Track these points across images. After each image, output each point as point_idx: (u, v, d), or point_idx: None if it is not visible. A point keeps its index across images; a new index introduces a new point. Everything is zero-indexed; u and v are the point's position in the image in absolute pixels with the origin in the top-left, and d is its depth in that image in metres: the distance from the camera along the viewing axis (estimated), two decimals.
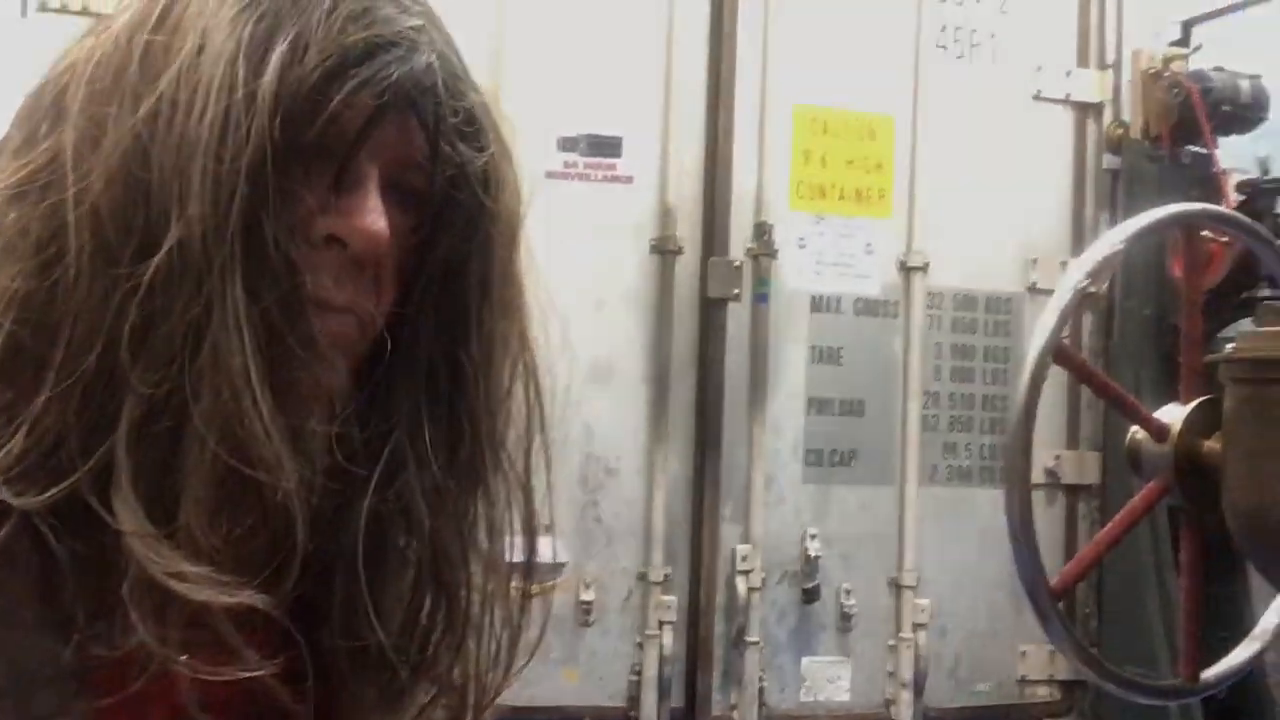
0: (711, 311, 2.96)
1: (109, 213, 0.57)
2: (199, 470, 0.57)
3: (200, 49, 0.58)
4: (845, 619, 3.05)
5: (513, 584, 0.72)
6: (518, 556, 0.72)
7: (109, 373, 0.57)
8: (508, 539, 0.71)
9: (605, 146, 2.93)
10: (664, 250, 2.94)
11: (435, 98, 0.63)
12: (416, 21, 0.64)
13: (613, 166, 2.94)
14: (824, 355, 3.09)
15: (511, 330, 0.70)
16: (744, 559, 2.95)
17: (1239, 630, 1.57)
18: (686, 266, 2.97)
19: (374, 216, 0.62)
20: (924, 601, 3.11)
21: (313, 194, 0.61)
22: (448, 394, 0.68)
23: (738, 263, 2.98)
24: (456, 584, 0.69)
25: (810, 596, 3.00)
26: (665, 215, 2.95)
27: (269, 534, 0.60)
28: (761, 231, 3.00)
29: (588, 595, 2.83)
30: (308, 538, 0.60)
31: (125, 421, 0.57)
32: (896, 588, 3.11)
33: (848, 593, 3.05)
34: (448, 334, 0.67)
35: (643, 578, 2.90)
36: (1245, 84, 3.36)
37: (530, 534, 0.72)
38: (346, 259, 0.62)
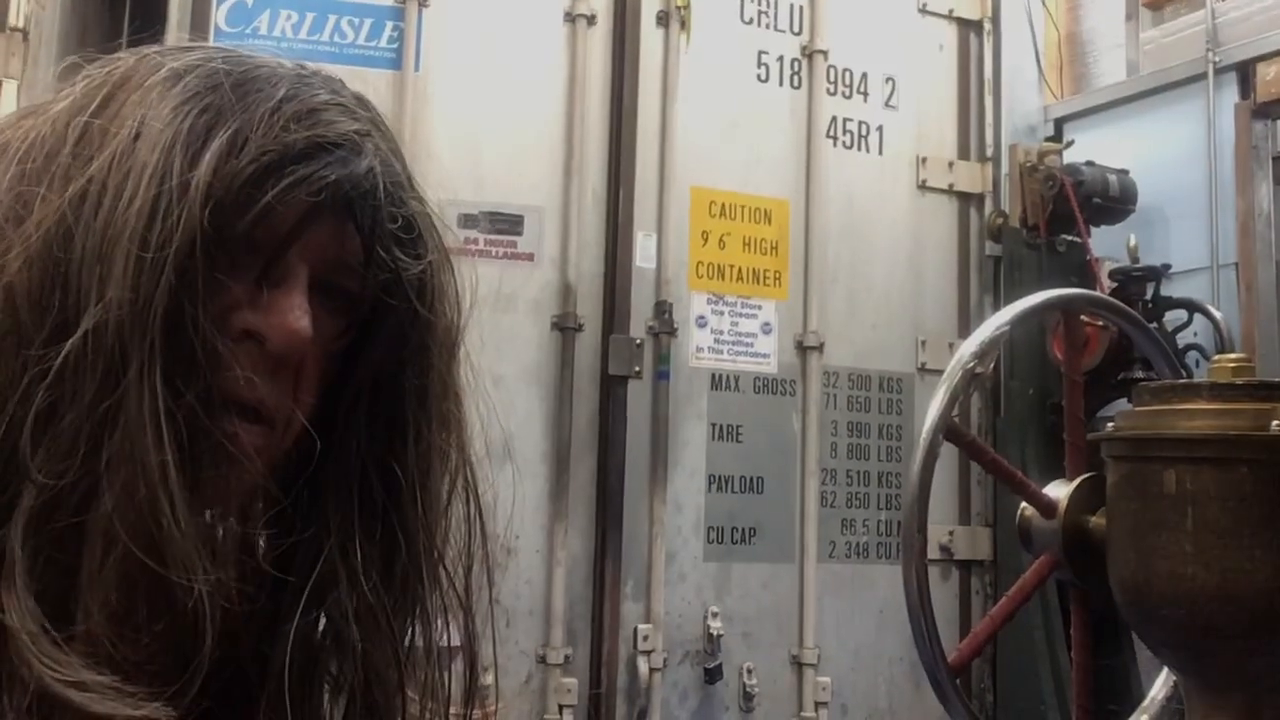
0: (612, 388, 2.97)
1: (24, 292, 0.55)
2: (106, 569, 0.52)
3: (137, 135, 0.57)
4: (747, 698, 3.02)
5: (453, 712, 0.69)
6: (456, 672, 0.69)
7: (8, 459, 0.53)
8: (447, 662, 0.68)
9: (506, 224, 2.94)
10: (565, 327, 2.95)
11: (373, 201, 0.61)
12: (362, 127, 0.63)
13: (513, 244, 2.95)
14: (724, 433, 3.11)
15: (450, 443, 0.68)
16: (645, 638, 2.91)
17: (1127, 702, 1.61)
18: (587, 343, 2.97)
19: (297, 314, 0.60)
20: (825, 679, 3.11)
21: (238, 287, 0.59)
22: (382, 506, 0.65)
23: (638, 340, 3.00)
24: (392, 712, 0.65)
25: (712, 676, 2.97)
26: (566, 292, 2.96)
27: (177, 641, 0.55)
28: (662, 310, 3.03)
29: (485, 680, 2.74)
30: (216, 647, 0.56)
31: (23, 513, 0.52)
32: (798, 665, 3.11)
33: (749, 672, 3.03)
34: (382, 444, 0.65)
35: (543, 660, 2.83)
36: (1114, 178, 3.58)
37: (472, 657, 0.69)
38: (263, 356, 0.60)
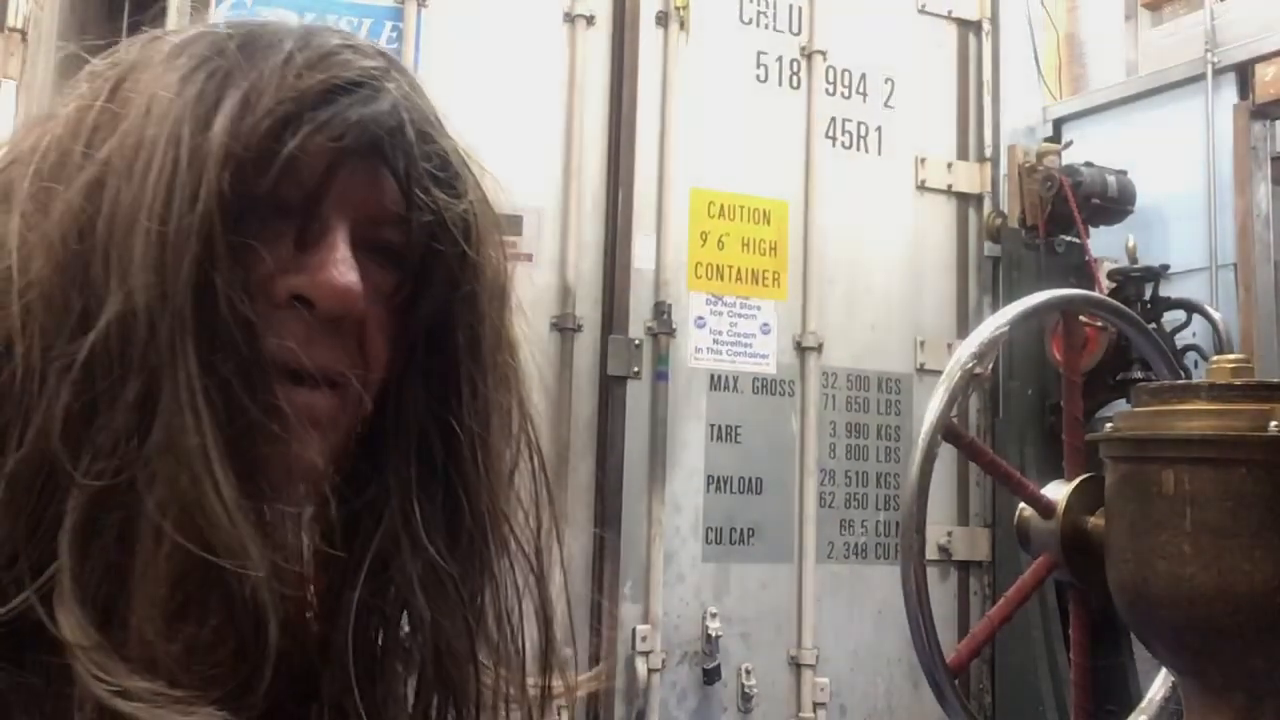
0: (611, 389, 2.97)
1: (44, 294, 0.51)
2: (154, 565, 0.49)
3: (146, 112, 0.54)
4: (746, 699, 3.02)
5: (529, 681, 0.65)
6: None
7: (48, 469, 0.50)
8: (521, 628, 0.64)
9: (505, 224, 2.93)
10: (564, 328, 2.95)
11: (402, 139, 0.58)
12: (380, 64, 0.59)
13: (513, 244, 2.93)
14: (722, 433, 3.11)
15: (510, 399, 0.64)
16: (644, 639, 2.91)
17: (1126, 702, 1.61)
18: (586, 344, 2.97)
19: (342, 269, 0.56)
20: (823, 680, 3.11)
21: (274, 253, 0.55)
22: (442, 466, 0.61)
23: (637, 341, 3.00)
24: (465, 682, 0.61)
25: (711, 677, 2.97)
26: (565, 293, 2.96)
27: (237, 635, 0.52)
28: (660, 310, 3.03)
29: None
30: (280, 636, 0.52)
31: (69, 520, 0.49)
32: (796, 666, 3.11)
33: (748, 672, 3.03)
34: (438, 400, 0.61)
35: None
36: (1113, 179, 3.58)
37: (547, 623, 0.65)
38: (317, 321, 0.56)
